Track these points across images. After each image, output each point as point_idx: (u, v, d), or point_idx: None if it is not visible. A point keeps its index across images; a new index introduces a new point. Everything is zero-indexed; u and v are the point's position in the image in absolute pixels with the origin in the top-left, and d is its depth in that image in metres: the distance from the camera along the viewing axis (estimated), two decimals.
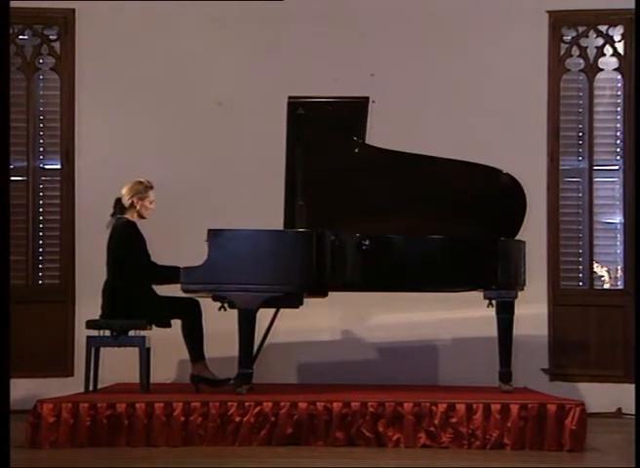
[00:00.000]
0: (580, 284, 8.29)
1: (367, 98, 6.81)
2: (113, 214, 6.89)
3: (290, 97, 6.75)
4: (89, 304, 7.18)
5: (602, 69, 8.30)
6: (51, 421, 5.98)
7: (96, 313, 6.82)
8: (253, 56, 8.24)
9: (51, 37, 8.33)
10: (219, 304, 6.67)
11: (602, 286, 8.33)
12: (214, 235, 6.50)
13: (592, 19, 8.27)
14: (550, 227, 8.19)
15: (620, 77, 8.28)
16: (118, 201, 6.89)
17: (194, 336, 6.78)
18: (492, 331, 6.81)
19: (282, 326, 7.29)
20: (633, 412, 7.49)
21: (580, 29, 8.28)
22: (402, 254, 6.70)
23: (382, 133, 7.04)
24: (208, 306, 6.79)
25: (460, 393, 6.67)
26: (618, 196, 8.29)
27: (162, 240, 7.18)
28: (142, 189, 6.87)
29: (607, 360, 8.11)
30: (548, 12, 8.21)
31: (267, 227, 6.63)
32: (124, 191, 6.88)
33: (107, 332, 6.75)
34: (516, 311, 6.78)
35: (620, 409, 7.94)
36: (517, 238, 6.93)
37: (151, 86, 8.23)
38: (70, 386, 7.24)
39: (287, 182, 6.89)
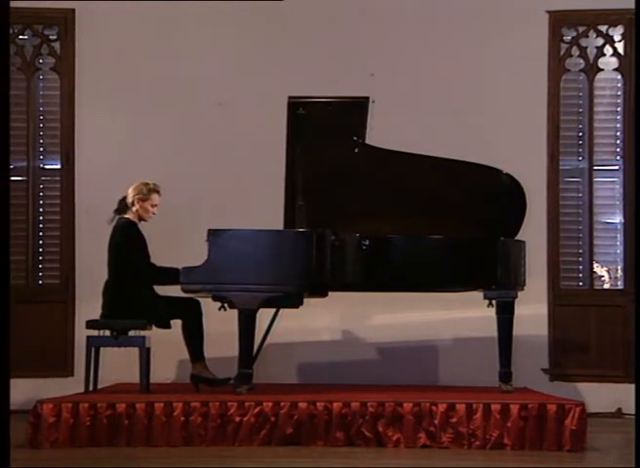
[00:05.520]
0: (580, 284, 8.29)
1: (367, 98, 6.81)
2: (116, 211, 6.90)
3: (290, 97, 6.75)
4: (89, 304, 7.19)
5: (602, 69, 8.30)
6: (51, 421, 5.99)
7: (96, 313, 6.82)
8: (253, 56, 8.24)
9: (51, 37, 8.33)
10: (219, 304, 6.66)
11: (602, 286, 8.32)
12: (214, 235, 6.50)
13: (592, 19, 8.27)
14: (550, 227, 8.19)
15: (620, 77, 8.28)
16: (123, 199, 6.90)
17: (194, 336, 6.78)
18: (492, 331, 6.81)
19: (282, 326, 7.29)
20: (633, 412, 7.47)
21: (580, 29, 8.28)
22: (402, 254, 6.70)
23: (382, 133, 7.04)
24: (208, 306, 6.79)
25: (460, 393, 6.66)
26: (618, 196, 8.28)
27: (162, 240, 7.18)
28: (146, 191, 6.87)
29: (607, 360, 8.11)
30: (548, 12, 8.21)
31: (267, 227, 6.63)
32: (129, 190, 6.89)
33: (107, 332, 6.76)
34: (516, 311, 6.78)
35: (619, 409, 7.94)
36: (517, 238, 6.93)
37: (151, 86, 8.22)
38: (70, 386, 7.25)
39: (287, 182, 6.89)
